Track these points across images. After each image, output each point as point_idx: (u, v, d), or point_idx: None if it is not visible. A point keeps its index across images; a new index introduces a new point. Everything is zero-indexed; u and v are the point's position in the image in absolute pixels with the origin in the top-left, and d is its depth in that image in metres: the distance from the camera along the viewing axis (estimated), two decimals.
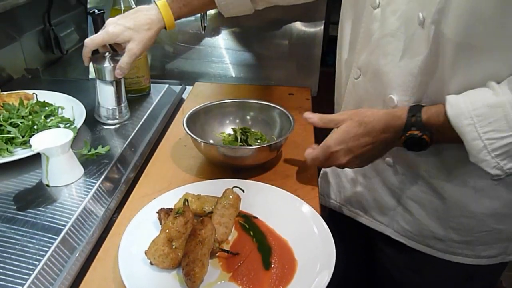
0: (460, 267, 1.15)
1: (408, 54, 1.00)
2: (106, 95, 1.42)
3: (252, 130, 1.43)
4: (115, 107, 1.45)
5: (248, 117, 1.47)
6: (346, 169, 1.28)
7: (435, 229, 1.13)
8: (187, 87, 1.88)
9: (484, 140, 0.84)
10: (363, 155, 1.05)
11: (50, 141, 1.11)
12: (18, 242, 0.96)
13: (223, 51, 2.05)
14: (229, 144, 1.36)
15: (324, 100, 4.28)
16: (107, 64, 1.36)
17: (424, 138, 0.93)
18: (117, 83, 1.41)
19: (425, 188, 1.11)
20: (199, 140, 1.24)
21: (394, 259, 1.29)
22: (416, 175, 1.12)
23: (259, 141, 1.39)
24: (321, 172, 1.44)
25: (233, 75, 2.04)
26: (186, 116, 1.34)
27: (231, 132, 1.43)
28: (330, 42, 5.26)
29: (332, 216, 1.39)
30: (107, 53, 1.39)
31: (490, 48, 0.87)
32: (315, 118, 1.16)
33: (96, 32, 1.58)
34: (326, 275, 0.90)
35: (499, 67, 0.88)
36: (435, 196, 1.10)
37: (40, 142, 1.12)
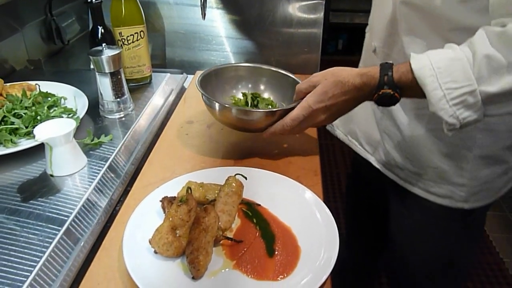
0: (418, 199, 1.29)
1: (383, 7, 1.19)
2: (107, 88, 1.42)
3: (263, 96, 1.44)
4: (118, 100, 1.45)
5: (260, 83, 1.47)
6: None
7: (397, 158, 1.30)
8: (188, 76, 1.88)
9: (444, 89, 0.91)
10: (338, 112, 1.14)
11: (53, 131, 1.12)
12: (22, 234, 0.96)
13: (223, 39, 2.05)
14: None
15: None
16: (104, 55, 1.36)
17: (395, 95, 1.01)
18: (116, 75, 1.41)
19: (392, 123, 1.27)
20: (213, 99, 1.26)
21: (374, 184, 1.51)
22: (388, 112, 1.28)
23: (269, 106, 1.40)
24: None
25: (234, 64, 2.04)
26: (199, 77, 1.34)
27: (242, 97, 1.44)
28: (331, 30, 5.28)
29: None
30: (104, 45, 1.39)
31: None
32: (298, 88, 1.20)
33: (93, 22, 1.59)
34: (331, 261, 0.91)
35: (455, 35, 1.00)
36: (397, 129, 1.26)
37: (43, 132, 1.12)
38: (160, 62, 2.07)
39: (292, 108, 1.18)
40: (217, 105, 1.26)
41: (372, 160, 1.41)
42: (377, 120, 1.34)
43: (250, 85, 1.47)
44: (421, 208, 1.31)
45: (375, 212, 1.63)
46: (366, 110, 1.34)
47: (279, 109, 1.23)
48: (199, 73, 1.84)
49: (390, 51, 1.23)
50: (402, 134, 1.26)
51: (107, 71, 1.38)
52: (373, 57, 1.29)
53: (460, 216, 1.28)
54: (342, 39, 5.83)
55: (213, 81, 1.40)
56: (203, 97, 1.29)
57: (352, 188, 1.87)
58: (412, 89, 0.97)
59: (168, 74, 1.78)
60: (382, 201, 1.47)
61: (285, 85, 1.41)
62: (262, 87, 1.47)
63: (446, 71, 0.91)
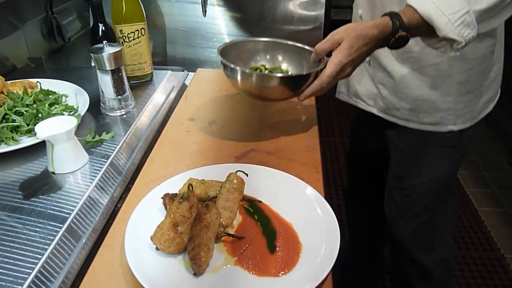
0: (416, 133, 1.52)
1: None
2: (108, 85, 1.42)
3: (281, 68, 1.47)
4: (119, 97, 1.45)
5: (277, 56, 1.48)
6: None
7: (394, 101, 1.51)
8: (189, 73, 1.88)
9: (447, 15, 1.08)
10: (359, 62, 1.23)
11: (55, 128, 1.12)
12: (24, 231, 0.97)
13: (224, 36, 2.05)
14: None
15: None
16: (105, 53, 1.36)
17: (407, 36, 1.15)
18: (117, 73, 1.41)
19: (384, 73, 1.50)
20: (233, 66, 1.27)
21: (379, 131, 1.68)
22: (379, 65, 1.49)
23: None
24: None
25: None
26: (218, 49, 1.36)
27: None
28: (332, 27, 5.29)
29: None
30: (104, 42, 1.39)
31: None
32: (319, 48, 1.26)
33: (94, 19, 1.59)
34: (332, 257, 0.91)
35: None
36: (389, 77, 1.48)
37: (44, 129, 1.12)
38: (161, 60, 2.07)
39: (317, 72, 1.25)
40: (248, 72, 1.29)
41: (375, 111, 1.61)
42: (371, 76, 1.56)
43: (268, 57, 1.49)
44: (419, 140, 1.54)
45: (376, 172, 1.91)
46: (361, 72, 1.58)
47: (312, 71, 1.25)
48: (200, 70, 1.85)
49: (373, 14, 1.45)
50: (394, 79, 1.47)
51: (108, 68, 1.38)
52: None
53: (451, 141, 1.52)
54: None
55: (232, 53, 1.40)
56: (226, 68, 1.30)
57: (352, 154, 2.12)
58: (420, 27, 1.13)
59: (169, 71, 1.78)
60: (383, 154, 1.72)
61: (301, 58, 1.43)
62: (280, 58, 1.48)
63: (443, 2, 1.09)
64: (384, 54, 1.45)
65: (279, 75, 1.28)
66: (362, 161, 2.02)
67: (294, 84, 1.27)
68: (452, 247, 1.88)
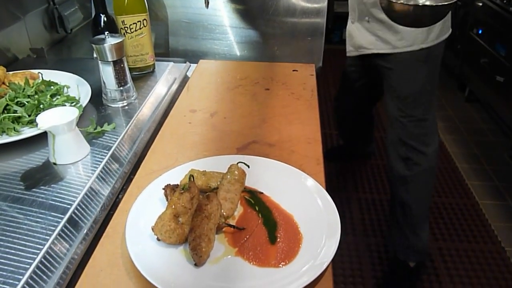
0: (398, 56, 2.15)
1: None
2: (109, 76, 1.42)
3: None
4: (121, 88, 1.45)
5: None
6: (357, 25, 2.27)
7: (387, 38, 2.13)
8: (191, 64, 1.88)
9: None
10: None
11: (56, 119, 1.12)
12: (25, 221, 0.97)
13: (227, 28, 2.05)
14: None
15: (330, 78, 4.35)
16: (107, 44, 1.36)
17: None
18: (119, 64, 1.41)
19: (379, 23, 2.11)
20: None
21: (379, 65, 2.30)
22: (376, 19, 2.10)
23: None
24: (347, 35, 2.41)
25: (237, 53, 2.04)
26: None
27: None
28: (335, 19, 5.27)
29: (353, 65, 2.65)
30: (106, 33, 1.39)
31: None
32: None
33: (96, 10, 1.59)
34: (332, 248, 0.91)
35: None
36: (383, 24, 2.10)
37: (46, 120, 1.12)
38: (163, 51, 2.06)
39: None
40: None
41: (375, 51, 2.21)
42: (369, 30, 2.18)
43: None
44: (403, 60, 2.16)
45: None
46: (362, 30, 2.22)
47: None
48: (202, 61, 1.86)
49: None
50: (385, 24, 2.08)
51: (109, 59, 1.38)
52: None
53: (422, 57, 2.13)
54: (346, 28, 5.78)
55: None
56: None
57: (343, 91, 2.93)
58: None
59: (171, 63, 1.78)
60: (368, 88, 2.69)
61: None
62: None
63: None
64: (378, 12, 2.04)
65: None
66: (351, 94, 2.83)
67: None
68: (437, 151, 2.35)
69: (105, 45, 1.35)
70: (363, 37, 2.24)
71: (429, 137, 2.28)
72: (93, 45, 1.36)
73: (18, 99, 1.32)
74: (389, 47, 2.15)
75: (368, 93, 2.80)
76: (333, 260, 0.90)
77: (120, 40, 1.38)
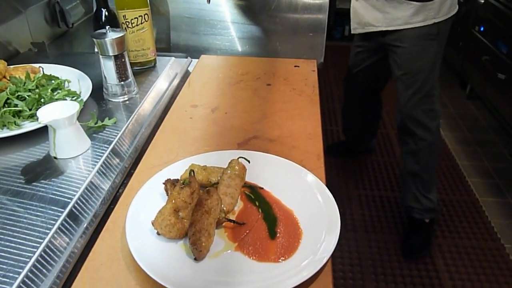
0: (410, 31, 2.22)
1: None
2: (111, 71, 1.42)
3: None
4: (122, 83, 1.45)
5: None
6: (363, 3, 2.32)
7: (396, 14, 2.20)
8: (193, 59, 1.88)
9: None
10: None
11: (57, 113, 1.12)
12: (26, 215, 0.97)
13: (228, 24, 2.04)
14: None
15: (331, 74, 4.36)
16: (108, 38, 1.36)
17: None
18: (120, 58, 1.41)
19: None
20: None
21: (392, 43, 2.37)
22: None
23: None
24: (351, 14, 2.46)
25: (239, 49, 2.04)
26: None
27: None
28: (337, 16, 5.26)
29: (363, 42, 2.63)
30: (107, 28, 1.39)
31: None
32: None
33: (97, 4, 1.59)
34: (331, 243, 0.91)
35: None
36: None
37: (47, 114, 1.12)
38: (165, 46, 2.06)
39: None
40: None
41: (383, 28, 2.27)
42: (377, 7, 2.23)
43: None
44: (412, 37, 2.23)
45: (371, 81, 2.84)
46: (368, 7, 2.28)
47: None
48: (204, 56, 1.85)
49: None
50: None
51: (111, 54, 1.38)
52: None
53: (433, 32, 2.21)
54: (348, 25, 5.78)
55: None
56: None
57: (351, 74, 2.87)
58: None
59: (173, 58, 1.78)
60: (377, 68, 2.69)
61: None
62: None
63: None
64: None
65: None
66: (359, 75, 2.79)
67: None
68: (440, 125, 2.53)
69: (106, 39, 1.35)
70: (370, 14, 2.28)
71: (434, 112, 2.44)
72: (94, 40, 1.36)
73: (19, 93, 1.32)
74: (400, 23, 2.20)
75: (376, 74, 2.79)
76: (332, 256, 0.90)
77: (121, 34, 1.38)
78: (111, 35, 1.36)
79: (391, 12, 2.19)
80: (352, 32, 2.49)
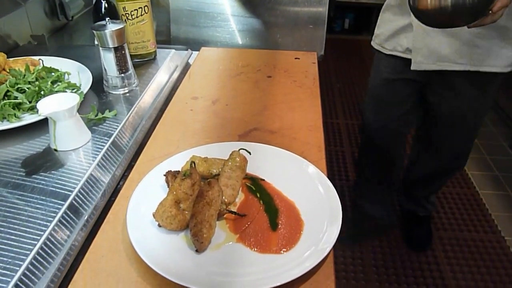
0: (467, 75, 1.75)
1: None
2: (111, 63, 1.41)
3: None
4: (122, 75, 1.44)
5: None
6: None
7: (494, 49, 1.67)
8: (193, 52, 1.87)
9: None
10: None
11: (57, 105, 1.12)
12: (26, 208, 0.97)
13: (229, 16, 2.04)
14: None
15: (332, 67, 4.30)
16: (108, 30, 1.35)
17: None
18: (120, 50, 1.40)
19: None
20: None
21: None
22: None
23: None
24: (412, 47, 1.79)
25: (239, 41, 2.03)
26: None
27: None
28: (337, 9, 5.25)
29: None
30: (107, 19, 1.38)
31: None
32: None
33: None
34: (333, 234, 0.91)
35: None
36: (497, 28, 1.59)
37: (47, 106, 1.12)
38: (165, 39, 2.05)
39: None
40: None
41: (468, 67, 1.72)
42: (460, 36, 1.66)
43: None
44: (491, 82, 1.80)
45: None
46: (446, 36, 1.69)
47: None
48: (204, 49, 1.85)
49: None
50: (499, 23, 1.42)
51: (110, 46, 1.37)
52: None
53: (498, 80, 1.78)
54: (348, 18, 5.79)
55: None
56: None
57: (372, 125, 2.24)
58: None
59: (173, 50, 1.77)
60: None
61: None
62: None
63: None
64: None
65: None
66: (383, 128, 2.19)
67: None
68: None
69: (106, 31, 1.34)
70: (451, 46, 1.70)
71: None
72: (94, 31, 1.36)
73: (19, 86, 1.32)
74: (498, 66, 1.71)
75: (407, 120, 2.18)
76: (333, 248, 0.90)
77: (121, 26, 1.37)
78: (111, 27, 1.36)
79: (488, 46, 1.67)
80: (414, 67, 1.81)
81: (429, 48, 1.73)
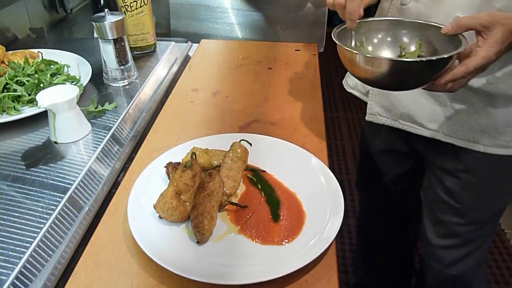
0: (480, 155, 1.24)
1: None
2: (110, 55, 1.40)
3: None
4: (122, 67, 1.43)
5: (403, 38, 1.15)
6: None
7: (484, 124, 1.20)
8: (193, 44, 1.86)
9: None
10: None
11: (56, 97, 1.11)
12: (26, 201, 0.96)
13: (229, 10, 2.03)
14: None
15: (331, 60, 4.28)
16: (107, 21, 1.34)
17: None
18: (120, 42, 1.40)
19: (472, 90, 1.17)
20: (358, 52, 1.00)
21: (443, 165, 1.36)
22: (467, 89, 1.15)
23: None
24: (369, 93, 1.42)
25: (239, 35, 2.02)
26: (335, 32, 1.08)
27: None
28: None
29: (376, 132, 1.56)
30: (106, 11, 1.38)
31: None
32: (450, 27, 0.99)
33: None
34: (335, 225, 0.91)
35: None
36: (482, 94, 1.17)
37: (46, 98, 1.11)
38: (165, 31, 2.05)
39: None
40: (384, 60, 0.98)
41: (440, 136, 1.28)
42: (437, 96, 1.24)
43: (389, 39, 1.16)
44: (492, 164, 1.27)
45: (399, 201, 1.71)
46: (419, 94, 1.27)
47: (455, 52, 0.94)
48: (204, 41, 1.84)
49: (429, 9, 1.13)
50: (482, 90, 1.16)
51: (110, 37, 1.36)
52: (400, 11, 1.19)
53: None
54: None
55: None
56: (358, 56, 0.99)
57: (368, 180, 1.80)
58: None
59: (173, 42, 1.76)
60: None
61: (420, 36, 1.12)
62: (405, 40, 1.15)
63: None
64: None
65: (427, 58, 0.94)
66: (381, 188, 1.69)
67: (435, 68, 0.96)
68: None
69: (105, 22, 1.33)
70: (418, 101, 1.30)
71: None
72: (93, 23, 1.35)
73: (18, 78, 1.31)
74: (444, 134, 1.27)
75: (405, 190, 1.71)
76: (335, 240, 0.89)
77: (121, 17, 1.36)
78: (110, 19, 1.35)
79: (468, 111, 1.22)
80: (368, 118, 1.45)
81: (391, 100, 1.36)
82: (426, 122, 1.30)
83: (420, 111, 1.30)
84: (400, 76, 0.99)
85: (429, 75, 0.97)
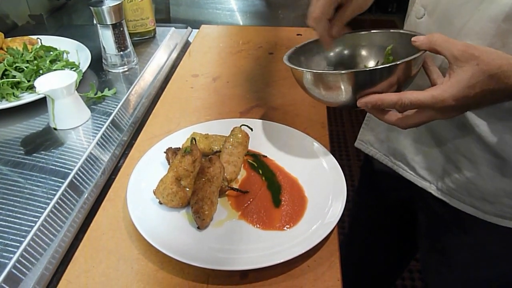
0: (508, 231, 1.00)
1: None
2: (109, 40, 1.39)
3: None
4: (121, 53, 1.42)
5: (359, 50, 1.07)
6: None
7: (486, 190, 0.97)
8: (193, 30, 1.85)
9: None
10: (469, 109, 0.81)
11: (55, 83, 1.10)
12: (26, 186, 0.96)
13: None
14: None
15: None
16: (105, 6, 1.33)
17: None
18: (119, 27, 1.38)
19: (480, 146, 0.93)
20: (306, 70, 0.94)
21: (434, 215, 1.15)
22: (471, 131, 0.93)
23: None
24: (366, 117, 1.26)
25: (240, 21, 2.01)
26: (286, 56, 1.05)
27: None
28: None
29: (368, 164, 1.37)
30: None
31: None
32: (421, 40, 0.79)
33: None
34: (338, 210, 0.90)
35: None
36: (492, 154, 0.93)
37: (44, 84, 1.10)
38: (165, 17, 2.03)
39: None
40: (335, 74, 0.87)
41: (433, 190, 1.07)
42: (444, 137, 1.00)
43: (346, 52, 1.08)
44: (486, 229, 1.02)
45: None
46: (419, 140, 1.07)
47: (402, 61, 0.79)
48: (204, 26, 1.82)
49: (441, 15, 0.91)
50: (502, 160, 0.92)
51: (108, 22, 1.35)
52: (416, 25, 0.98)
53: None
54: None
55: (301, 60, 1.09)
56: (306, 75, 0.93)
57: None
58: None
59: (173, 28, 1.75)
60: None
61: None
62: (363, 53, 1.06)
63: None
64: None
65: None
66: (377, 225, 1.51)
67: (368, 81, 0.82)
68: None
69: (103, 7, 1.32)
70: (416, 143, 1.08)
71: None
72: (92, 8, 1.33)
73: (17, 65, 1.30)
74: (438, 188, 1.06)
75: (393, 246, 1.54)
76: (337, 226, 0.89)
77: (119, 2, 1.35)
78: (108, 3, 1.33)
79: (469, 170, 0.98)
80: (356, 144, 1.35)
81: (388, 135, 1.17)
82: (421, 169, 1.09)
83: (416, 153, 1.09)
84: (328, 88, 0.88)
85: (354, 90, 0.84)
